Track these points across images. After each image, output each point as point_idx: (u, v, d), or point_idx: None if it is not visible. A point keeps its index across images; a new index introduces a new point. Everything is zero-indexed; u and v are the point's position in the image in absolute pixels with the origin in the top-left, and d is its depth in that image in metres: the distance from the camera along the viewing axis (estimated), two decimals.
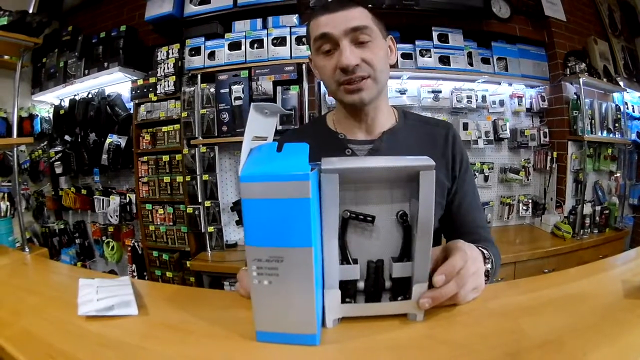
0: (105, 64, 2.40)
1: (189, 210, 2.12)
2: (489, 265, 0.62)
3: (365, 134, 0.83)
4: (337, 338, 0.44)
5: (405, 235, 0.46)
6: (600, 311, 0.49)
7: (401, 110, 0.89)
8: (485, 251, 0.63)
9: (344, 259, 0.45)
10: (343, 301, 0.46)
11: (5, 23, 2.11)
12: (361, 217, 0.45)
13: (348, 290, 0.46)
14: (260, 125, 0.45)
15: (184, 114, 2.11)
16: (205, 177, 2.08)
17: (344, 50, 0.70)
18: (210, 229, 2.12)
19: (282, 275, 0.40)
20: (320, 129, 0.88)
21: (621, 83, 2.82)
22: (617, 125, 2.76)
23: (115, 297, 0.56)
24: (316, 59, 0.78)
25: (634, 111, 3.06)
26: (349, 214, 0.45)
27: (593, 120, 2.57)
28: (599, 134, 2.63)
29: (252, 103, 0.45)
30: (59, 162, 2.60)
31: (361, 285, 0.47)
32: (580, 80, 2.38)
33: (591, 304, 0.52)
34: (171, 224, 2.22)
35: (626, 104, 2.95)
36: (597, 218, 2.53)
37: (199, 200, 2.11)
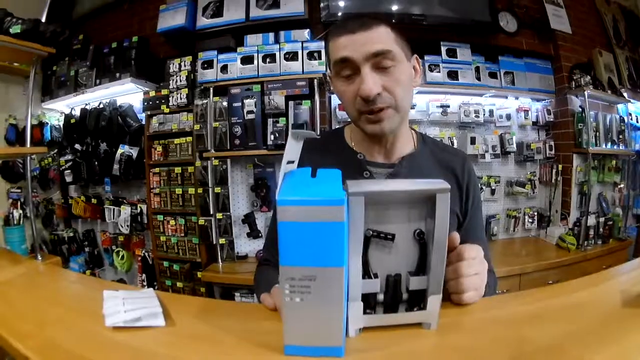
0: (117, 75, 2.42)
1: (201, 222, 2.14)
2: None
3: (384, 158, 0.82)
4: (360, 347, 0.48)
5: (421, 252, 0.50)
6: (599, 319, 0.53)
7: (420, 134, 0.88)
8: None
9: (366, 273, 0.49)
10: (364, 312, 0.50)
11: (19, 31, 2.12)
12: (382, 235, 0.49)
13: (369, 302, 0.50)
14: (294, 150, 0.48)
15: (197, 127, 2.13)
16: (218, 189, 2.11)
17: (365, 79, 0.67)
18: (222, 240, 2.14)
19: (314, 293, 0.42)
20: (339, 144, 0.85)
21: (625, 94, 2.85)
22: (621, 136, 2.79)
23: (142, 309, 0.57)
24: (336, 82, 0.75)
25: (637, 122, 3.09)
26: (371, 232, 0.48)
27: (597, 133, 2.60)
28: (604, 145, 2.66)
29: (290, 130, 0.49)
30: (69, 171, 2.62)
31: (381, 297, 0.50)
32: (585, 93, 2.41)
33: (591, 312, 0.55)
34: (182, 235, 2.24)
35: (630, 114, 2.98)
36: (601, 229, 2.56)
37: (211, 213, 2.13)
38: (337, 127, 2.01)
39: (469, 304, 0.57)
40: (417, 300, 0.51)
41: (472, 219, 0.84)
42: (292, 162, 0.49)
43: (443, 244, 0.47)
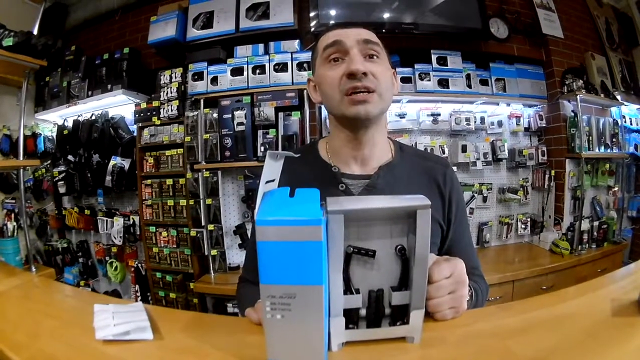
0: (109, 86, 2.43)
1: (193, 233, 2.15)
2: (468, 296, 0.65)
3: (361, 168, 0.79)
4: None
5: (403, 267, 0.51)
6: (587, 330, 0.52)
7: (397, 143, 0.86)
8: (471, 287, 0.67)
9: (348, 289, 0.50)
10: (347, 327, 0.50)
11: (11, 44, 2.13)
12: (363, 251, 0.49)
13: (351, 317, 0.50)
14: (272, 170, 0.49)
15: (187, 139, 2.13)
16: (209, 201, 2.11)
17: (354, 57, 0.71)
18: (214, 251, 2.15)
19: (294, 310, 0.43)
20: (312, 159, 0.83)
21: (618, 97, 2.85)
22: (614, 140, 2.79)
23: (131, 323, 0.58)
24: (321, 69, 0.76)
25: (631, 124, 3.09)
26: (352, 249, 0.49)
27: (590, 137, 2.60)
28: (597, 149, 2.66)
29: (267, 151, 0.49)
30: (63, 182, 2.63)
31: (363, 312, 0.51)
32: (578, 97, 2.41)
33: (579, 323, 0.55)
34: (175, 246, 2.24)
35: (624, 117, 2.98)
36: (595, 233, 2.57)
37: (203, 224, 2.13)
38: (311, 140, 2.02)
39: (446, 320, 0.57)
40: (400, 314, 0.51)
41: (457, 227, 0.83)
42: (272, 181, 0.50)
43: (425, 260, 0.48)
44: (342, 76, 0.71)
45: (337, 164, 0.79)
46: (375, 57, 0.73)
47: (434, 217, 0.70)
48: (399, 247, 0.50)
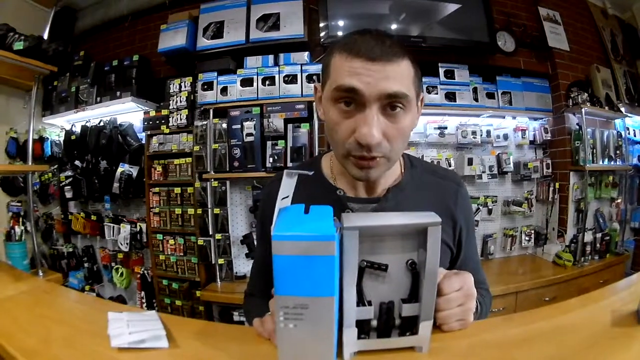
0: (118, 93, 2.44)
1: (200, 242, 2.16)
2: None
3: (367, 191, 0.75)
4: None
5: (413, 280, 0.53)
6: (587, 341, 0.54)
7: (407, 157, 0.80)
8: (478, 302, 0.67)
9: (360, 301, 0.52)
10: (359, 337, 0.52)
11: (22, 48, 2.14)
12: (376, 265, 0.52)
13: (363, 328, 0.53)
14: (288, 186, 0.52)
15: (196, 148, 2.15)
16: (217, 210, 2.12)
17: (371, 124, 0.59)
18: (221, 260, 2.16)
19: (306, 320, 0.45)
20: (316, 178, 0.75)
21: (623, 109, 2.87)
22: (618, 152, 2.81)
23: (147, 332, 0.59)
24: (330, 108, 0.65)
25: (635, 135, 3.11)
26: (365, 263, 0.51)
27: (594, 150, 2.62)
28: (601, 162, 2.68)
29: (285, 170, 0.50)
30: (69, 187, 2.64)
31: (374, 323, 0.53)
32: (583, 110, 2.43)
33: (580, 334, 0.57)
34: (182, 254, 2.26)
35: (627, 129, 3.01)
36: (598, 245, 2.59)
37: (210, 233, 2.15)
38: (315, 155, 2.01)
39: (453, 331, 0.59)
40: (409, 325, 0.53)
41: (467, 248, 0.82)
42: (287, 197, 0.53)
43: (434, 274, 0.50)
44: (351, 134, 0.62)
45: (342, 186, 0.75)
46: (399, 108, 0.61)
47: (443, 241, 0.69)
48: (409, 261, 0.52)
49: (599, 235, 2.61)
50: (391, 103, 0.60)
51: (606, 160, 2.74)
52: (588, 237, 2.51)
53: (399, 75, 0.59)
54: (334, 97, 0.63)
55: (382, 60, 0.58)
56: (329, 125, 0.66)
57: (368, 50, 0.59)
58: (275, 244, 0.43)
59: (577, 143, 2.53)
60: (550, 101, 2.60)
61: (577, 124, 2.57)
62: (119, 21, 2.70)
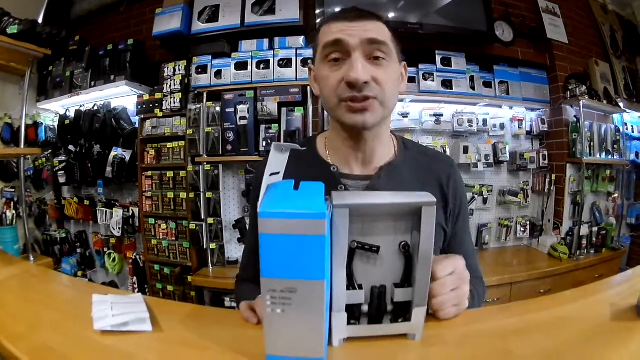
0: (112, 77, 2.42)
1: (192, 226, 2.14)
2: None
3: (362, 168, 0.75)
4: (343, 357, 0.49)
5: (406, 264, 0.50)
6: (585, 333, 0.53)
7: (401, 139, 0.82)
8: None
9: (350, 284, 0.49)
10: (349, 323, 0.50)
11: (16, 32, 2.12)
12: (367, 247, 0.49)
13: (353, 313, 0.50)
14: (277, 162, 0.48)
15: (190, 132, 2.13)
16: (209, 194, 2.11)
17: (355, 63, 0.63)
18: (213, 245, 2.14)
19: (294, 305, 0.42)
20: (310, 155, 0.77)
21: (621, 104, 2.86)
22: (615, 146, 2.80)
23: (130, 314, 0.58)
24: (320, 67, 0.69)
25: (633, 131, 3.10)
26: (356, 244, 0.49)
27: (592, 143, 2.61)
28: (598, 155, 2.66)
29: (273, 143, 0.47)
30: (63, 172, 2.62)
31: (365, 308, 0.51)
32: (581, 103, 2.41)
33: (578, 327, 0.55)
34: (174, 239, 2.24)
35: (625, 124, 2.99)
36: (594, 239, 2.57)
37: (202, 217, 2.13)
38: (309, 135, 2.01)
39: (449, 319, 0.57)
40: (402, 311, 0.51)
41: (460, 228, 0.81)
42: (276, 173, 0.50)
43: (428, 257, 0.48)
44: (341, 81, 0.65)
45: (336, 163, 0.75)
46: (381, 59, 0.66)
47: (437, 222, 0.67)
48: (402, 243, 0.50)
49: (595, 229, 2.59)
50: (373, 50, 0.65)
51: (604, 154, 2.73)
52: (584, 230, 2.49)
53: (377, 29, 0.66)
54: (322, 57, 0.68)
55: (361, 19, 0.66)
56: (321, 84, 0.70)
57: (347, 13, 0.67)
58: (262, 222, 0.40)
59: (575, 135, 2.51)
60: (548, 92, 2.59)
61: (575, 116, 2.56)
62: (115, 6, 2.69)
